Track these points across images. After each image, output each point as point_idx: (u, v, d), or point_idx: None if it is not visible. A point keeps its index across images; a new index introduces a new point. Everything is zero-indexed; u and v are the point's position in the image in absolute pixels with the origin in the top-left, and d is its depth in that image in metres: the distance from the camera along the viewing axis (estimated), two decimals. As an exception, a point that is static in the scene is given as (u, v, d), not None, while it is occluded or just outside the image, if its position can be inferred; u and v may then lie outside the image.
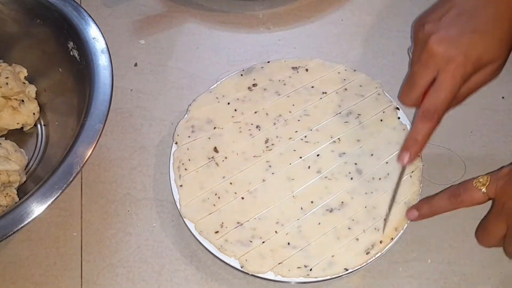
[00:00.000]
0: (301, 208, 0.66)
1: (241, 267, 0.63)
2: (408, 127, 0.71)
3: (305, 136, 0.70)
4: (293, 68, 0.75)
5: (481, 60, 0.61)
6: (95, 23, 0.70)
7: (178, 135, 0.71)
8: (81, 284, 0.65)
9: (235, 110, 0.72)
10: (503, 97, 0.77)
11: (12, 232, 0.57)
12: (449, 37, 0.61)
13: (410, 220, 0.65)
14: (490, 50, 0.61)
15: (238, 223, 0.65)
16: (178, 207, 0.66)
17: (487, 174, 0.61)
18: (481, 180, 0.61)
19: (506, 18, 0.62)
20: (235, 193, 0.67)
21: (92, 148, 0.62)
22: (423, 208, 0.64)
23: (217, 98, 0.73)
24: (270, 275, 0.63)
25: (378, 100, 0.73)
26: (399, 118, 0.72)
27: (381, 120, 0.72)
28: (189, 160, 0.69)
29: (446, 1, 0.64)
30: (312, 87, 0.74)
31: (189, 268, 0.66)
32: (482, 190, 0.61)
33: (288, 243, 0.64)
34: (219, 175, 0.68)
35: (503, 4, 0.62)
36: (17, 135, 0.73)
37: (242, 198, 0.67)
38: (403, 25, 0.82)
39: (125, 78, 0.79)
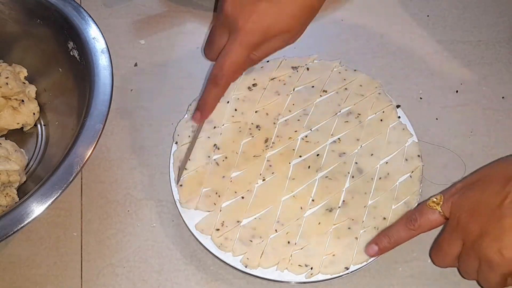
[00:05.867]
0: (301, 208, 0.66)
1: (241, 266, 0.63)
2: (408, 126, 0.71)
3: (305, 136, 0.70)
4: (293, 67, 0.75)
5: (270, 30, 0.62)
6: (95, 23, 0.70)
7: (178, 135, 0.71)
8: (81, 284, 0.65)
9: (235, 110, 0.72)
10: (503, 97, 0.77)
11: (12, 232, 0.57)
12: (243, 1, 0.61)
13: (371, 256, 0.63)
14: (280, 22, 0.62)
15: (238, 222, 0.65)
16: (178, 207, 0.66)
17: (440, 192, 0.60)
18: (434, 200, 0.59)
19: None
20: (235, 192, 0.67)
21: (92, 148, 0.62)
22: (383, 242, 0.62)
23: (217, 98, 0.73)
24: (270, 275, 0.63)
25: (378, 99, 0.73)
26: (399, 117, 0.72)
27: (381, 120, 0.71)
28: (189, 160, 0.69)
29: None
30: (312, 86, 0.74)
31: (189, 268, 0.66)
32: (438, 209, 0.59)
33: (288, 242, 0.64)
34: (219, 174, 0.68)
35: None
36: (17, 135, 0.73)
37: (242, 197, 0.67)
38: (403, 25, 0.82)
39: (125, 78, 0.79)
